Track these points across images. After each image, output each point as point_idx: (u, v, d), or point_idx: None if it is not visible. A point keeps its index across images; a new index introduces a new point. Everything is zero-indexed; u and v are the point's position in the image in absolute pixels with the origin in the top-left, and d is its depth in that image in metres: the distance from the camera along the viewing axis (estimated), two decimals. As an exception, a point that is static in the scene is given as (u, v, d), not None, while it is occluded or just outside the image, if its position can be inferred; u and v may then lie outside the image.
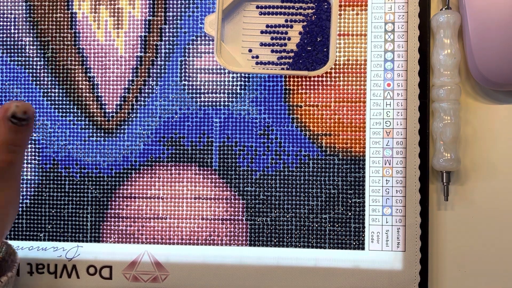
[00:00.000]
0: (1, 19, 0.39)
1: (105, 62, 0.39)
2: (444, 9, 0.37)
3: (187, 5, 0.39)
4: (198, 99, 0.39)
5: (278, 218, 0.38)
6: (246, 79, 0.38)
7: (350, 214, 0.38)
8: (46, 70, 0.39)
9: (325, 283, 0.38)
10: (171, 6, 0.39)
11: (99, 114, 0.39)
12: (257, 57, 0.37)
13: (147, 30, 0.39)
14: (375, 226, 0.38)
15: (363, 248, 0.38)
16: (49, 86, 0.39)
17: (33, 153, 0.39)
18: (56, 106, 0.39)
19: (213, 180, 0.38)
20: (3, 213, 0.32)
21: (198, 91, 0.39)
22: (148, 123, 0.39)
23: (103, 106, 0.39)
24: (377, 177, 0.38)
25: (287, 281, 0.38)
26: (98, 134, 0.39)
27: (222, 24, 0.36)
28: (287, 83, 0.38)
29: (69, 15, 0.39)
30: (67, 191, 0.39)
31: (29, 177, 0.39)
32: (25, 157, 0.39)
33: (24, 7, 0.39)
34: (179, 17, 0.39)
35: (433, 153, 0.38)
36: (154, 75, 0.39)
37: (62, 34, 0.39)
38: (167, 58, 0.39)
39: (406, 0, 0.37)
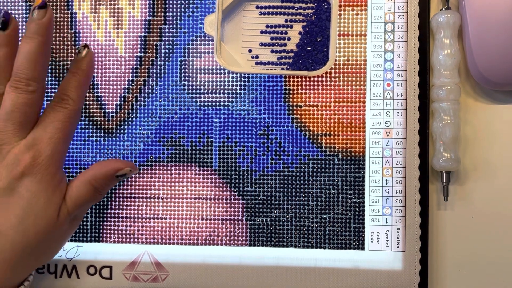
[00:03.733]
0: (1, 19, 0.39)
1: (105, 62, 0.39)
2: (444, 9, 0.37)
3: (187, 5, 0.39)
4: (198, 99, 0.39)
5: (278, 218, 0.38)
6: (246, 79, 0.38)
7: (350, 214, 0.38)
8: (46, 70, 0.39)
9: (325, 283, 0.38)
10: (171, 6, 0.39)
11: (99, 114, 0.39)
12: (257, 57, 0.37)
13: (147, 30, 0.39)
14: (375, 226, 0.38)
15: (363, 248, 0.38)
16: (49, 86, 0.39)
17: (33, 153, 0.39)
18: (56, 106, 0.39)
19: (213, 180, 0.38)
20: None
21: (198, 91, 0.39)
22: (148, 123, 0.39)
23: (103, 106, 0.39)
24: (377, 177, 0.38)
25: (287, 281, 0.38)
26: (98, 134, 0.39)
27: (222, 24, 0.36)
28: (287, 83, 0.38)
29: (69, 15, 0.39)
30: (67, 191, 0.39)
31: (29, 177, 0.39)
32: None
33: (24, 7, 0.39)
34: (179, 17, 0.39)
35: (433, 153, 0.38)
36: (154, 75, 0.39)
37: (62, 34, 0.39)
38: (167, 58, 0.39)
39: (406, 0, 0.37)
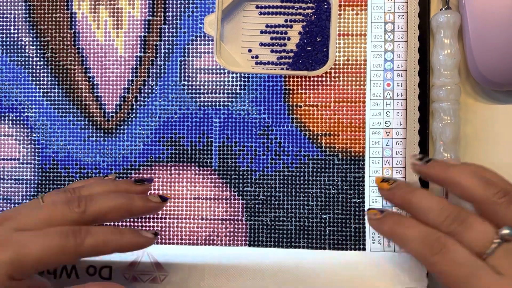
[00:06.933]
0: (1, 19, 0.39)
1: (105, 62, 0.39)
2: (444, 9, 0.37)
3: (186, 5, 0.39)
4: (198, 99, 0.39)
5: (278, 218, 0.38)
6: (246, 79, 0.38)
7: (350, 214, 0.38)
8: (45, 70, 0.39)
9: (325, 284, 0.37)
10: (170, 6, 0.39)
11: (98, 114, 0.39)
12: (256, 57, 0.37)
13: (146, 30, 0.39)
14: (375, 226, 0.37)
15: (364, 249, 0.37)
16: (49, 86, 0.39)
17: (32, 153, 0.39)
18: (56, 106, 0.39)
19: (213, 180, 0.38)
20: None
21: (197, 91, 0.39)
22: (147, 123, 0.39)
23: (103, 106, 0.39)
24: (377, 177, 0.37)
25: (287, 281, 0.38)
26: (98, 134, 0.39)
27: (221, 24, 0.36)
28: (287, 83, 0.38)
29: (69, 15, 0.39)
30: (67, 191, 0.39)
31: (28, 177, 0.39)
32: (25, 157, 0.39)
33: (23, 7, 0.39)
34: (178, 17, 0.39)
35: (433, 153, 0.37)
36: (154, 75, 0.39)
37: (61, 34, 0.39)
38: (166, 58, 0.39)
39: (406, 0, 0.37)
